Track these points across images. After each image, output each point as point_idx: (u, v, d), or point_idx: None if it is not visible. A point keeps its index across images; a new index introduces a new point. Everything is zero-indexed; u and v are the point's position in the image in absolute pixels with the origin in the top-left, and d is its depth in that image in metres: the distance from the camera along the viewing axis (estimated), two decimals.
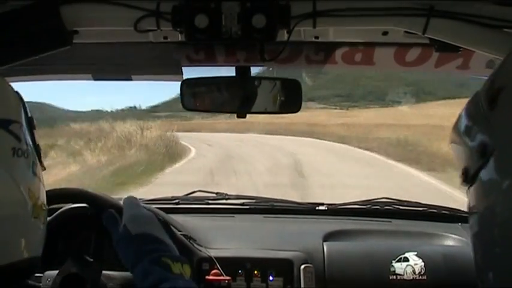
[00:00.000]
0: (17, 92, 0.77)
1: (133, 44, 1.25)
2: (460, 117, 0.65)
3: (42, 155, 0.80)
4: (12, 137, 0.69)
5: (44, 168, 0.79)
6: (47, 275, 1.14)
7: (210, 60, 1.36)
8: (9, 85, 0.76)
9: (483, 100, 0.59)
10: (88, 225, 1.42)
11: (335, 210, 1.79)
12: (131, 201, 1.02)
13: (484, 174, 0.57)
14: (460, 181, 0.63)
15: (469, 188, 0.61)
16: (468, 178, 0.60)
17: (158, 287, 0.80)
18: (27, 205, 0.70)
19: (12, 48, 0.98)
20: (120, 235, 0.95)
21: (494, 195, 0.55)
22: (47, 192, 0.92)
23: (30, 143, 0.75)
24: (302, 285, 1.42)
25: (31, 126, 0.77)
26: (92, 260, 1.35)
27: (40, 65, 1.31)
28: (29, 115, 0.78)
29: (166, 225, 0.97)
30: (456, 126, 0.66)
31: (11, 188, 0.68)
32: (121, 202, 1.04)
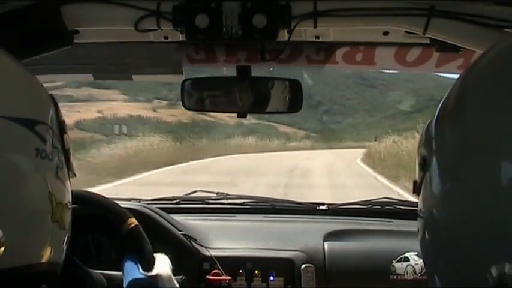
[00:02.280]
0: (50, 95, 0.76)
1: (134, 43, 1.25)
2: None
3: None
4: (37, 138, 0.68)
5: (74, 175, 0.78)
6: None
7: (210, 60, 1.36)
8: (42, 85, 0.75)
9: (436, 119, 0.63)
10: (89, 225, 1.42)
11: (335, 210, 1.79)
12: (166, 262, 1.10)
13: (425, 185, 0.61)
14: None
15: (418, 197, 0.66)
16: (416, 189, 0.65)
17: None
18: (46, 208, 0.68)
19: (12, 48, 0.98)
20: (146, 282, 1.02)
21: (433, 203, 0.58)
22: None
23: (59, 146, 0.73)
24: (302, 285, 1.42)
25: (61, 130, 0.75)
26: (92, 260, 1.35)
27: (40, 65, 1.31)
28: (61, 118, 0.76)
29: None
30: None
31: (30, 189, 0.67)
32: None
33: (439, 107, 0.61)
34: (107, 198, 1.15)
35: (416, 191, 0.65)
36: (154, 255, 1.09)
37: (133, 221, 1.08)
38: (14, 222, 0.65)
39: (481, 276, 0.49)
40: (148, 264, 1.05)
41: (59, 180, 0.72)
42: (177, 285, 1.08)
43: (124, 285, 1.03)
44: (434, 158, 0.58)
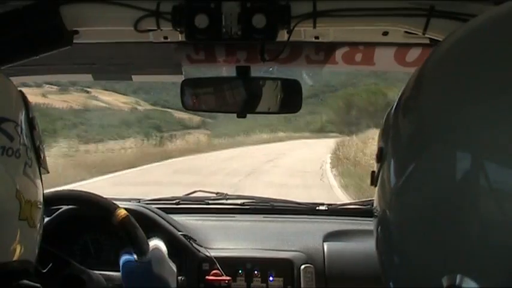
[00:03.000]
0: (20, 91, 0.75)
1: (133, 44, 1.25)
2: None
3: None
4: (4, 136, 0.68)
5: (46, 171, 0.78)
6: (46, 276, 1.14)
7: (210, 60, 1.36)
8: (11, 83, 0.75)
9: (393, 111, 0.61)
10: (88, 226, 1.42)
11: (335, 210, 1.79)
12: (161, 248, 1.14)
13: (379, 179, 0.59)
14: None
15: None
16: (373, 180, 0.62)
17: None
18: (13, 207, 0.68)
19: (12, 48, 0.98)
20: (140, 267, 1.04)
21: (386, 200, 0.56)
22: (49, 193, 0.89)
23: (28, 143, 0.73)
24: (302, 285, 1.42)
25: (31, 127, 0.75)
26: (91, 260, 1.35)
27: (40, 65, 1.31)
28: (31, 115, 0.76)
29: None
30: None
31: None
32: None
33: (399, 94, 0.59)
34: (95, 194, 1.15)
35: (373, 182, 0.62)
36: (149, 242, 1.11)
37: (123, 212, 1.09)
38: None
39: (432, 285, 0.47)
40: (142, 252, 1.07)
41: (27, 178, 0.71)
42: (174, 268, 1.09)
43: (121, 274, 1.04)
44: (389, 149, 0.56)
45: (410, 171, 0.51)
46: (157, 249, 1.10)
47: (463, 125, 0.45)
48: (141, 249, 1.07)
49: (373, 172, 0.62)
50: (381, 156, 0.58)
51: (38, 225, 0.74)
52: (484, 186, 0.42)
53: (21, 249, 0.70)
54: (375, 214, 0.60)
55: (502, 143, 0.42)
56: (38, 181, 0.75)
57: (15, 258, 0.69)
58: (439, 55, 0.55)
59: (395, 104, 0.58)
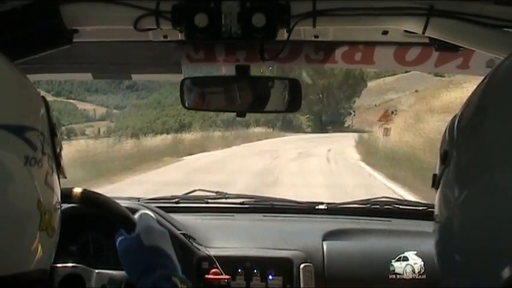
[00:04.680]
0: (42, 97, 0.74)
1: (133, 43, 1.26)
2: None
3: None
4: (27, 145, 0.66)
5: (64, 177, 0.77)
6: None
7: (210, 59, 1.36)
8: (34, 88, 0.73)
9: (458, 118, 0.62)
10: (88, 225, 1.42)
11: (335, 210, 1.79)
12: (147, 215, 1.11)
13: (444, 182, 0.60)
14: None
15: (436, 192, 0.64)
16: (435, 183, 0.63)
17: None
18: (34, 217, 0.67)
19: (11, 47, 0.98)
20: (131, 243, 1.02)
21: (451, 205, 0.57)
22: None
23: (49, 151, 0.71)
24: (301, 285, 1.42)
25: (52, 134, 0.73)
26: (91, 259, 1.35)
27: (40, 64, 1.31)
28: (53, 121, 0.74)
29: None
30: None
31: (18, 199, 0.64)
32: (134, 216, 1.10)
33: (463, 106, 0.60)
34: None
35: (434, 185, 0.63)
36: (138, 212, 1.10)
37: (77, 190, 1.07)
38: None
39: (491, 278, 0.48)
40: (126, 220, 1.05)
41: (48, 187, 0.70)
42: (164, 230, 1.06)
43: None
44: (455, 159, 0.57)
45: (474, 186, 0.53)
46: (144, 221, 1.07)
47: None
48: (122, 217, 1.06)
49: (434, 175, 0.63)
50: (445, 159, 0.59)
51: (56, 233, 0.74)
52: None
53: (39, 258, 0.70)
54: (436, 215, 0.62)
55: None
56: (57, 189, 0.74)
57: (32, 268, 0.68)
58: (505, 72, 0.56)
59: (459, 114, 0.60)
